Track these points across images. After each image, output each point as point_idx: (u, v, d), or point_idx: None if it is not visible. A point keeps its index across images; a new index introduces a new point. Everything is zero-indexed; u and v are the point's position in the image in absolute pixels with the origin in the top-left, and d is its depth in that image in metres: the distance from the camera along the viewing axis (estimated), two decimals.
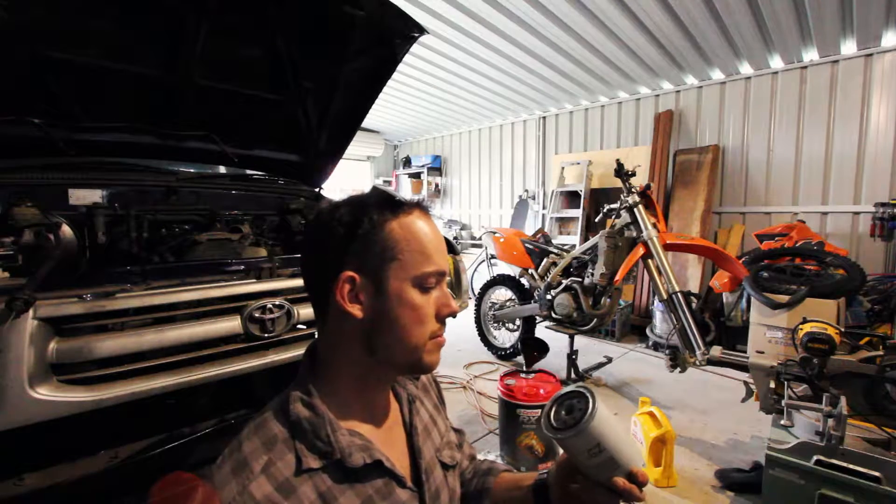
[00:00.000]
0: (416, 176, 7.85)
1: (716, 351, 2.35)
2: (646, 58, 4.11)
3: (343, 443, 0.59)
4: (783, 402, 1.76)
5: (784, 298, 2.08)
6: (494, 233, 3.89)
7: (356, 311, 0.61)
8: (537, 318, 3.54)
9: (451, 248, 2.05)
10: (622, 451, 0.60)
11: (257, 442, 0.58)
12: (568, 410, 0.62)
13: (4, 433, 0.93)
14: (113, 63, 1.62)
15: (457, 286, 1.99)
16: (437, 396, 0.86)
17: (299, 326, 1.44)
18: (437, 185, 7.74)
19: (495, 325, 3.94)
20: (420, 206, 0.67)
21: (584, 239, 5.05)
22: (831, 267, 2.28)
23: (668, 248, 2.75)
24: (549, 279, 3.34)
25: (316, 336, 0.70)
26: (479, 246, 5.91)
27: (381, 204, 0.64)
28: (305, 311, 1.42)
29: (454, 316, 0.67)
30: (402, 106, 6.03)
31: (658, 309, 4.00)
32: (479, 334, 3.98)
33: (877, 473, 1.44)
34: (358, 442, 0.61)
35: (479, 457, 0.91)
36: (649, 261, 2.74)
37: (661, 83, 4.80)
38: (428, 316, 0.64)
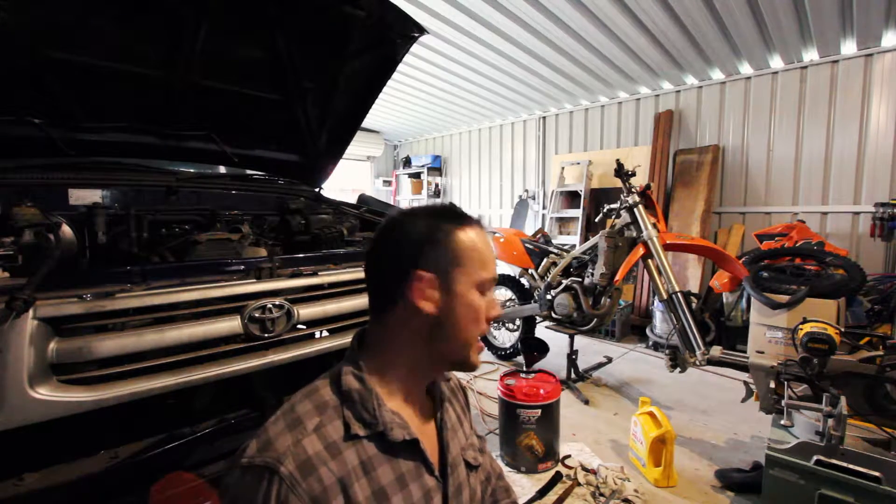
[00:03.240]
0: (416, 176, 7.85)
1: (716, 351, 2.35)
2: (646, 58, 4.11)
3: (386, 417, 0.65)
4: (783, 402, 1.76)
5: (784, 298, 2.08)
6: (494, 233, 3.89)
7: (428, 306, 0.68)
8: (537, 318, 3.54)
9: None
10: None
11: (310, 405, 0.64)
12: None
13: (4, 433, 0.93)
14: (113, 63, 1.62)
15: None
16: (463, 402, 0.91)
17: (299, 326, 1.44)
18: (437, 185, 7.73)
19: (495, 325, 3.93)
20: (479, 223, 0.76)
21: (584, 239, 5.05)
22: (831, 267, 2.28)
23: (668, 248, 2.75)
24: (549, 279, 3.34)
25: (367, 325, 0.77)
26: None
27: (452, 216, 0.73)
28: (305, 312, 1.42)
29: (498, 319, 0.75)
30: (402, 106, 6.03)
31: (658, 309, 4.00)
32: None
33: (877, 473, 1.44)
34: (398, 420, 0.67)
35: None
36: (649, 261, 2.74)
37: (661, 83, 4.80)
38: (482, 316, 0.72)
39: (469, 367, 0.73)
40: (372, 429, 0.64)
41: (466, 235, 0.71)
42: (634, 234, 2.84)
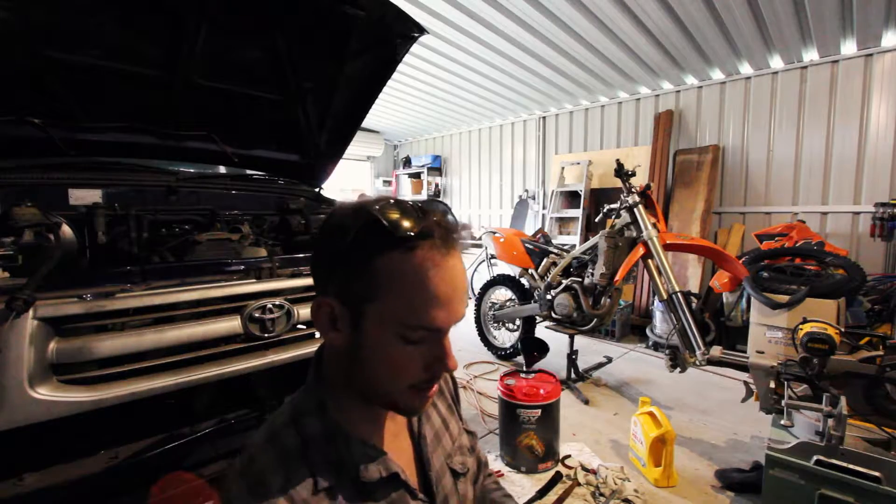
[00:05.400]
0: (416, 176, 7.85)
1: (716, 351, 2.35)
2: (646, 58, 4.11)
3: (357, 456, 0.56)
4: (783, 402, 1.76)
5: (784, 298, 2.08)
6: (494, 233, 3.89)
7: (333, 339, 0.56)
8: (537, 318, 3.54)
9: None
10: None
11: (271, 455, 0.54)
12: None
13: (4, 433, 0.93)
14: (113, 63, 1.62)
15: None
16: (451, 395, 0.82)
17: (299, 326, 1.44)
18: (437, 185, 7.74)
19: (495, 325, 3.94)
20: (435, 238, 0.51)
21: (584, 239, 5.05)
22: (831, 267, 2.28)
23: (668, 248, 2.75)
24: (549, 279, 3.34)
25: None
26: (479, 246, 5.91)
27: (379, 228, 0.50)
28: (305, 312, 1.42)
29: (450, 371, 0.58)
30: (402, 106, 6.03)
31: (658, 309, 4.00)
32: (479, 334, 3.98)
33: (877, 473, 1.44)
34: (372, 454, 0.58)
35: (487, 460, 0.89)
36: (649, 261, 2.74)
37: (661, 83, 4.80)
38: (406, 370, 0.54)
39: (401, 412, 0.59)
40: (342, 472, 0.55)
41: (397, 260, 0.50)
42: (634, 234, 2.84)
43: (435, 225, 0.52)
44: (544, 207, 6.10)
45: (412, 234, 0.50)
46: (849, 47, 3.75)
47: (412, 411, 0.59)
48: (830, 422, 1.56)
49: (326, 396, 0.59)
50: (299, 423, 0.57)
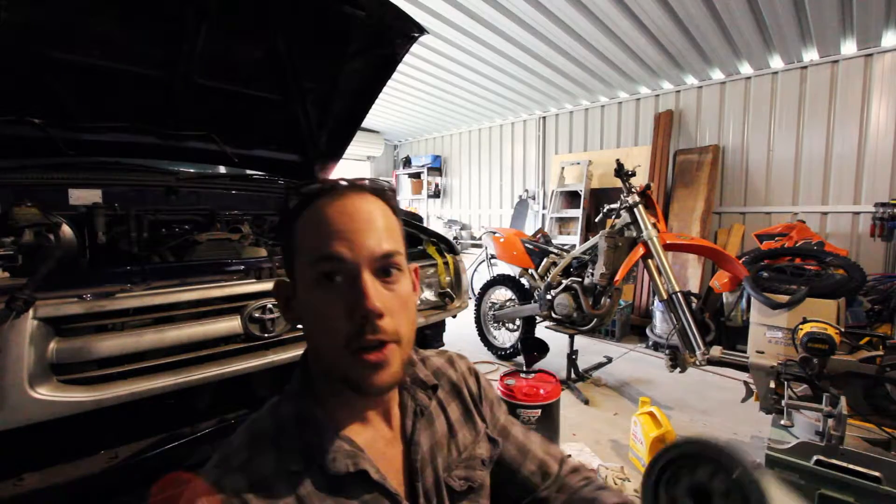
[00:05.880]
0: (416, 176, 7.85)
1: (716, 351, 2.35)
2: (646, 58, 4.11)
3: (328, 446, 0.54)
4: (783, 402, 1.76)
5: (784, 298, 2.07)
6: (494, 233, 3.89)
7: (290, 319, 0.59)
8: (537, 318, 3.54)
9: (451, 248, 2.05)
10: None
11: (245, 438, 0.55)
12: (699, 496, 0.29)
13: (4, 433, 0.93)
14: (113, 63, 1.62)
15: (457, 286, 1.99)
16: (472, 396, 0.74)
17: (299, 326, 1.44)
18: (437, 185, 7.74)
19: (495, 325, 3.94)
20: (339, 189, 0.56)
21: (584, 239, 5.05)
22: (831, 267, 2.28)
23: (668, 248, 2.75)
24: (549, 279, 3.34)
25: None
26: (479, 246, 5.91)
27: (300, 200, 0.57)
28: None
29: (376, 316, 0.52)
30: (402, 106, 6.03)
31: (658, 309, 4.00)
32: (479, 334, 3.98)
33: (877, 473, 1.44)
34: (346, 447, 0.55)
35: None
36: (649, 261, 2.74)
37: (661, 83, 4.80)
38: (331, 318, 0.52)
39: (356, 388, 0.54)
40: (312, 462, 0.53)
41: (310, 211, 0.56)
42: (634, 234, 2.84)
43: (342, 181, 0.58)
44: (544, 207, 6.10)
45: (318, 189, 0.57)
46: (849, 47, 3.75)
47: (369, 385, 0.53)
48: (830, 422, 1.56)
49: (307, 385, 0.60)
50: (276, 410, 0.58)
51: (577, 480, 0.79)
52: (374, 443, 0.59)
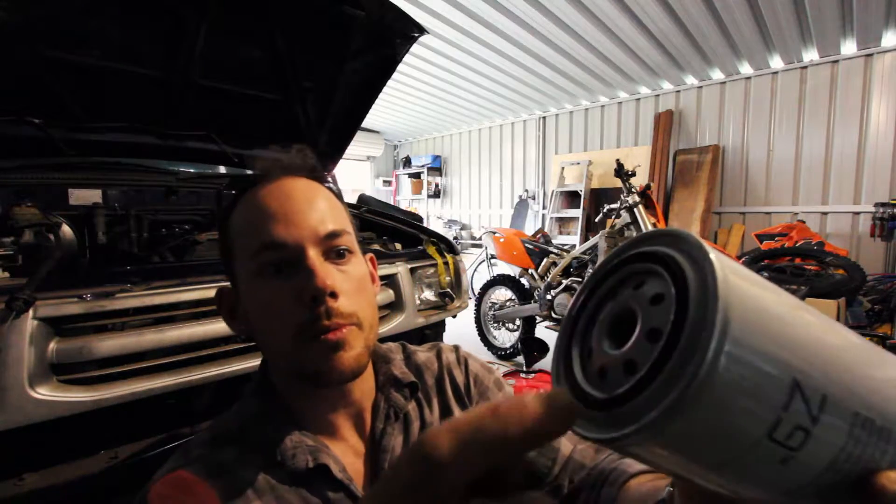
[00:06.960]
0: (416, 176, 7.85)
1: None
2: (646, 58, 4.11)
3: (289, 442, 0.50)
4: None
5: None
6: (494, 233, 3.89)
7: (236, 328, 0.55)
8: (537, 318, 3.54)
9: (451, 248, 2.05)
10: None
11: (207, 436, 0.52)
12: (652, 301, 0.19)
13: (4, 433, 0.93)
14: (113, 63, 1.62)
15: (457, 286, 1.99)
16: (455, 390, 0.63)
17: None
18: (437, 185, 7.74)
19: (495, 325, 3.93)
20: (273, 173, 0.53)
21: (584, 239, 5.05)
22: (831, 267, 2.28)
23: None
24: (549, 279, 3.34)
25: None
26: (479, 246, 5.92)
27: (235, 187, 0.55)
28: None
29: (328, 294, 0.47)
30: (402, 106, 6.04)
31: None
32: (479, 334, 3.97)
33: None
34: (309, 443, 0.50)
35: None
36: None
37: (661, 83, 4.80)
38: (280, 307, 0.48)
39: (313, 377, 0.49)
40: (271, 457, 0.49)
41: (241, 203, 0.52)
42: (634, 233, 2.84)
43: (270, 167, 0.54)
44: (544, 207, 6.10)
45: (248, 177, 0.53)
46: (849, 47, 3.75)
47: (329, 371, 0.48)
48: None
49: (269, 384, 0.56)
50: (240, 409, 0.55)
51: (607, 461, 0.63)
52: (347, 447, 0.55)
